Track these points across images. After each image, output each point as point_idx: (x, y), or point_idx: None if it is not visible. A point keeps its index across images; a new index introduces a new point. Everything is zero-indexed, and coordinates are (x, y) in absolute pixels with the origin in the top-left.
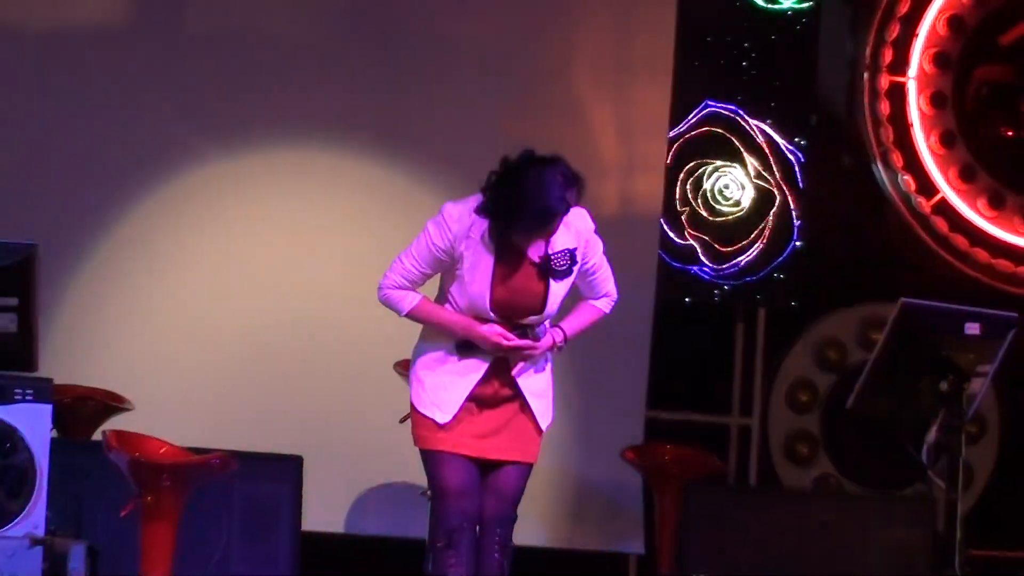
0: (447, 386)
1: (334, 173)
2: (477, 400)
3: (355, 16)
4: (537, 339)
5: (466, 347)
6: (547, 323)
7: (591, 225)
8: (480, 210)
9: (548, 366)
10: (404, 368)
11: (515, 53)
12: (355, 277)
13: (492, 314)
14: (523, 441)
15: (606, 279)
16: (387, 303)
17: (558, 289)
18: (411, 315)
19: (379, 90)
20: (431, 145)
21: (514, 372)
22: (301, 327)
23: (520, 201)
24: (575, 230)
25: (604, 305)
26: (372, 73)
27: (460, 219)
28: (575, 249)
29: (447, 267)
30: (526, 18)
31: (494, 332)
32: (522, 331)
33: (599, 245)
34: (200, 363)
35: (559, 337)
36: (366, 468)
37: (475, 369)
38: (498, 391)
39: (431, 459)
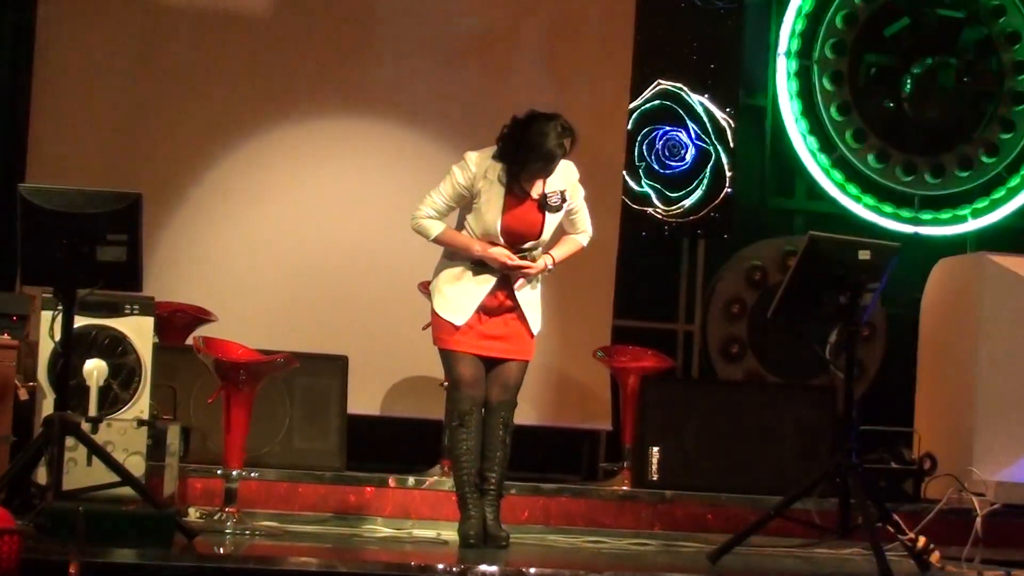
0: (463, 295)
1: (371, 137)
2: (485, 309)
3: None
4: (534, 260)
5: (479, 265)
6: (540, 249)
7: (576, 175)
8: (496, 156)
9: (538, 284)
10: (425, 288)
11: (508, 42)
12: (388, 216)
13: (501, 238)
14: (521, 343)
15: (585, 218)
16: (419, 230)
17: (551, 221)
18: (438, 238)
19: (407, 73)
20: (444, 114)
21: (515, 286)
22: (345, 255)
23: (527, 147)
24: (564, 176)
25: (583, 239)
26: (401, 59)
27: (478, 163)
28: (565, 191)
29: (466, 202)
30: (515, 11)
31: (502, 253)
32: (522, 254)
33: (581, 191)
34: (268, 283)
35: (550, 262)
36: (397, 365)
37: (485, 282)
38: (502, 302)
39: (448, 357)
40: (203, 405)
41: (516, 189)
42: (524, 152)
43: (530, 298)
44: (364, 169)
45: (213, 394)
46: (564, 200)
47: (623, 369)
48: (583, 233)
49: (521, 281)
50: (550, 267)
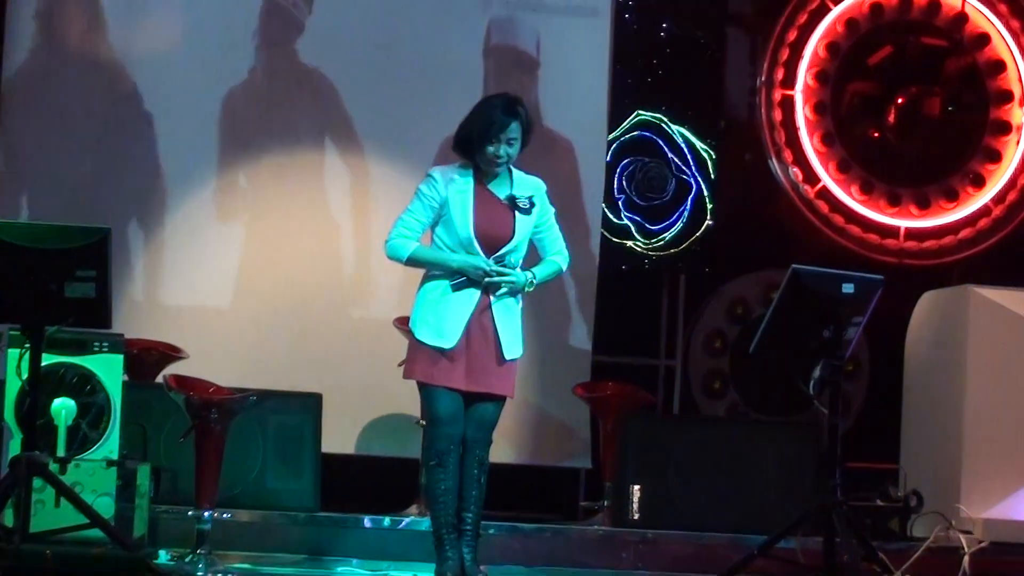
0: (448, 318)
1: (343, 169)
2: (468, 335)
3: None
4: (513, 267)
5: (460, 285)
6: (520, 263)
7: (544, 188)
8: (454, 146)
9: (519, 308)
10: (401, 323)
11: (489, 73)
12: (362, 250)
13: (475, 242)
14: (502, 378)
15: (558, 238)
16: (392, 253)
17: (522, 222)
18: (411, 257)
19: (380, 105)
20: (418, 146)
21: (496, 293)
22: (319, 290)
23: (479, 120)
24: (533, 185)
25: (561, 260)
26: (374, 90)
27: (443, 174)
28: (532, 196)
29: (437, 216)
30: (488, 43)
31: (480, 259)
32: (500, 261)
33: (552, 210)
34: (240, 320)
35: (531, 277)
36: (372, 402)
37: (470, 299)
38: (484, 327)
39: (426, 392)
40: (174, 445)
41: (484, 192)
42: (478, 128)
43: (510, 323)
44: (337, 202)
45: (184, 433)
46: (533, 205)
47: (603, 405)
48: (559, 254)
49: (503, 290)
50: (532, 280)
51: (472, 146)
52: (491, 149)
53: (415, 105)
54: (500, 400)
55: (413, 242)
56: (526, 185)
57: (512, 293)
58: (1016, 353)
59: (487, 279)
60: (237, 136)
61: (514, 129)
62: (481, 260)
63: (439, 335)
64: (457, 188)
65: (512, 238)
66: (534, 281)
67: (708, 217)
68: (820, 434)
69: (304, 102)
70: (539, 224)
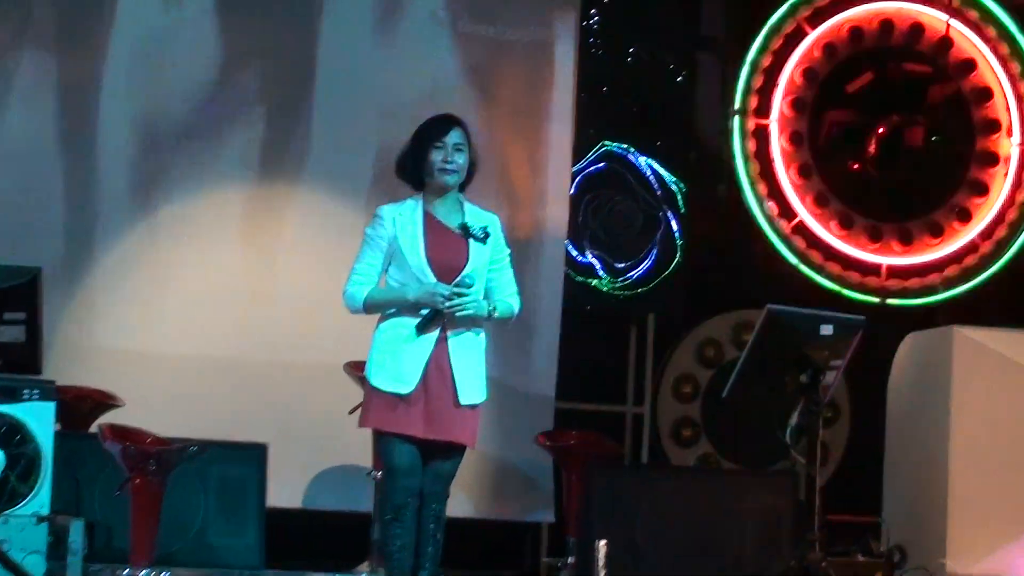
0: (405, 359)
1: (288, 208)
2: (427, 379)
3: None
4: (469, 286)
5: (421, 326)
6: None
7: (499, 224)
8: (397, 171)
9: (482, 350)
10: (352, 368)
11: (447, 103)
12: (310, 291)
13: (428, 267)
14: (462, 426)
15: (511, 281)
16: (349, 303)
17: (477, 251)
18: (368, 302)
19: (330, 142)
20: (371, 185)
21: (456, 312)
22: (263, 334)
23: (411, 138)
24: (488, 219)
25: (513, 302)
26: (324, 127)
27: (390, 211)
28: (487, 227)
29: (390, 255)
30: (447, 73)
31: (437, 285)
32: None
33: (507, 250)
34: (179, 366)
35: (491, 306)
36: (321, 453)
37: (429, 340)
38: (443, 371)
39: (382, 442)
40: (109, 498)
41: (433, 221)
42: (420, 139)
43: (472, 365)
44: (282, 242)
45: (119, 486)
46: (488, 235)
47: (567, 455)
48: (512, 297)
49: (467, 311)
50: (493, 314)
51: (417, 161)
52: (437, 156)
53: (360, 137)
54: (460, 450)
55: (367, 287)
56: (480, 217)
57: (474, 324)
58: (1004, 398)
59: (447, 304)
60: (172, 171)
61: (458, 135)
62: (439, 285)
63: (396, 379)
64: (405, 221)
65: (467, 264)
66: (494, 314)
67: (678, 254)
68: (798, 485)
69: (239, 135)
70: (492, 262)
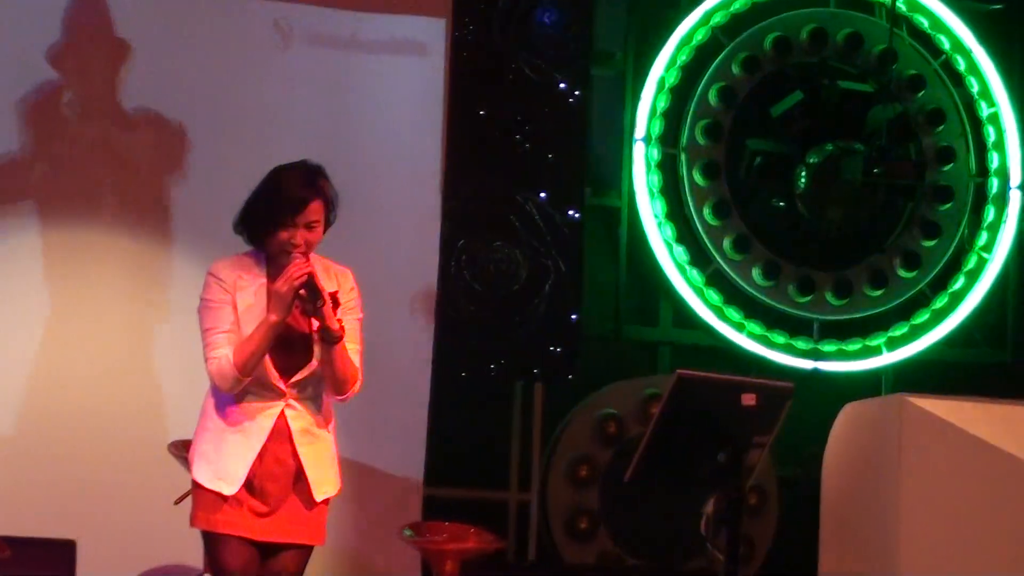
0: (230, 451)
1: (101, 254)
2: (260, 474)
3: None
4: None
5: (252, 419)
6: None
7: (352, 283)
8: (239, 219)
9: (331, 439)
10: (178, 449)
11: (287, 126)
12: (126, 359)
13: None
14: (307, 523)
15: (354, 350)
16: (219, 371)
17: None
18: (236, 360)
19: (153, 178)
20: (201, 226)
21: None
22: (70, 413)
23: (259, 195)
24: (339, 280)
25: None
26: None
27: (226, 268)
28: (337, 292)
29: (235, 315)
30: (295, 90)
31: (288, 270)
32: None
33: (359, 313)
34: None
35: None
36: (139, 551)
37: (262, 426)
38: (282, 461)
39: (209, 541)
40: None
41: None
42: (268, 208)
43: (320, 452)
44: (94, 294)
45: None
46: (338, 303)
47: (438, 552)
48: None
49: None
50: (338, 329)
51: (261, 230)
52: (285, 236)
53: (208, 178)
54: (306, 549)
55: (228, 350)
56: (330, 277)
57: (318, 402)
58: (959, 477)
59: (306, 268)
60: None
61: (315, 210)
62: (292, 267)
63: (218, 477)
64: (247, 286)
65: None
66: (339, 333)
67: (570, 309)
68: None
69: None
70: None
